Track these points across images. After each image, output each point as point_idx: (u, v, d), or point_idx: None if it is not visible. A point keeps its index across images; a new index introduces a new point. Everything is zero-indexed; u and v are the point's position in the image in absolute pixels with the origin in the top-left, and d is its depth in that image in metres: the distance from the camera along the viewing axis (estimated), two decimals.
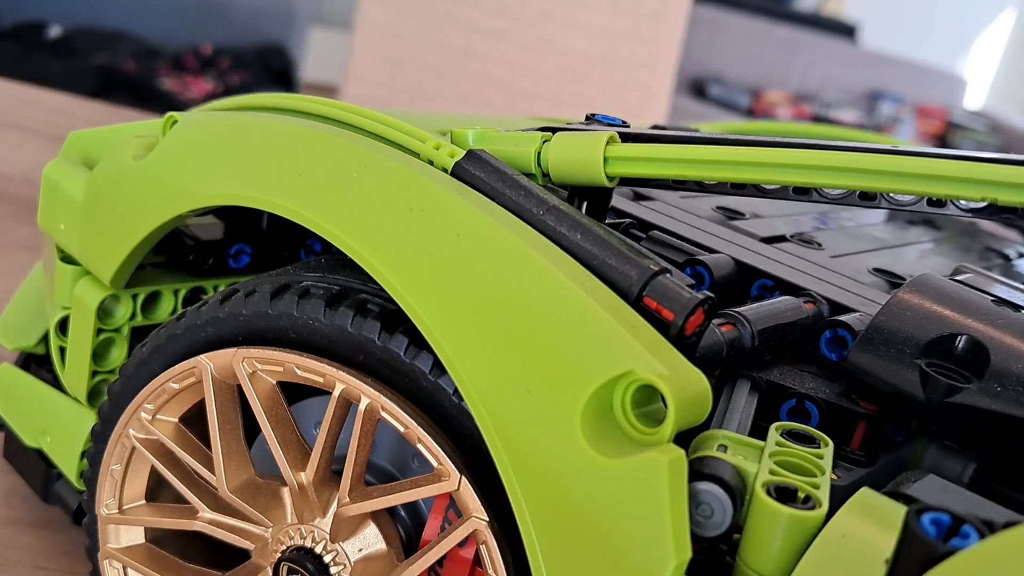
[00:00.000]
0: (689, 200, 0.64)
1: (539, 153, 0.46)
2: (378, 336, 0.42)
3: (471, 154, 0.45)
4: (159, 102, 2.66)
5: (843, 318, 0.48)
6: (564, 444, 0.36)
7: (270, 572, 0.47)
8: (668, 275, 0.41)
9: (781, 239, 0.60)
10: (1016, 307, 0.48)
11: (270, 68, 3.37)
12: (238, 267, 0.60)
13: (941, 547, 0.30)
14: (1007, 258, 0.73)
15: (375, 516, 0.46)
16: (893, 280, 0.57)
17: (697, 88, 4.71)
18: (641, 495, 0.34)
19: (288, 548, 0.46)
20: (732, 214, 0.63)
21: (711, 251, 0.55)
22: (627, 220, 0.56)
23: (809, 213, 0.70)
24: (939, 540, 0.30)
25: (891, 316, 0.46)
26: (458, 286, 0.39)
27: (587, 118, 0.54)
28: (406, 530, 0.47)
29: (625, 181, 0.47)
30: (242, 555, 0.50)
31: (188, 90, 3.03)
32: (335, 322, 0.43)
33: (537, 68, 2.82)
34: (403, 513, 0.47)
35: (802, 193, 0.46)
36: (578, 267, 0.40)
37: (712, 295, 0.40)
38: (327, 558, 0.45)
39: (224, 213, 0.61)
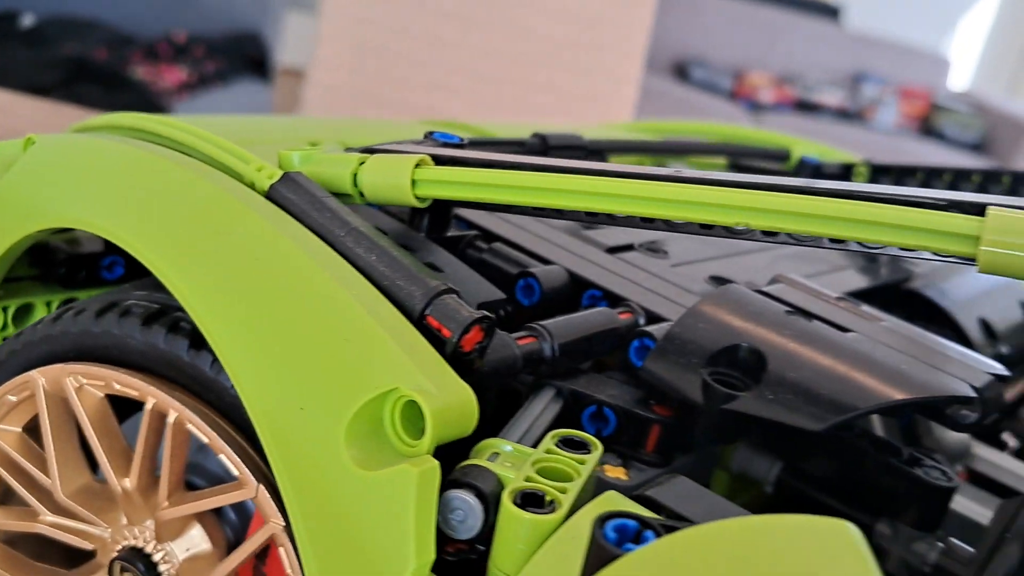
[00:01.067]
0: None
1: (355, 175, 0.49)
2: (186, 353, 0.45)
3: (287, 177, 0.48)
4: (131, 91, 2.68)
5: (649, 328, 0.51)
6: (330, 457, 0.39)
7: (107, 571, 0.50)
8: (453, 295, 0.43)
9: (628, 248, 0.63)
10: (809, 316, 0.51)
11: (245, 55, 3.38)
12: (112, 278, 0.63)
13: (611, 550, 0.32)
14: (873, 259, 0.75)
15: (200, 518, 0.49)
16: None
17: (680, 71, 4.72)
18: (391, 504, 0.37)
19: (122, 548, 0.49)
20: (589, 223, 0.66)
21: (548, 263, 0.57)
22: (473, 232, 0.59)
23: None
24: (613, 544, 0.33)
25: (684, 327, 0.48)
26: (247, 307, 0.42)
27: (425, 136, 0.57)
28: (234, 530, 0.50)
29: (441, 202, 0.50)
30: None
31: (161, 79, 3.04)
32: (149, 340, 0.46)
33: (505, 53, 2.82)
34: (232, 515, 0.50)
35: (625, 219, 0.47)
36: (367, 287, 0.43)
37: (489, 314, 0.43)
38: (156, 557, 0.48)
39: None
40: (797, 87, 4.69)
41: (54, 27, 3.02)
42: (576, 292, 0.57)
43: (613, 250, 0.62)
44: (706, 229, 0.44)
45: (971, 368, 0.50)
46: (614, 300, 0.55)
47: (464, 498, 0.39)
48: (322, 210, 0.46)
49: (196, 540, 0.49)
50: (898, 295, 0.71)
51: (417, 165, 0.48)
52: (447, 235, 0.57)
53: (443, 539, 0.39)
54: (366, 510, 0.38)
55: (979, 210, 0.38)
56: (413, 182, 0.47)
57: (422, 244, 0.53)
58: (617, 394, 0.49)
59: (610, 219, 0.46)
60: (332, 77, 2.69)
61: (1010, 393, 0.80)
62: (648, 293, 0.56)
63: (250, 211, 0.45)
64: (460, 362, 0.42)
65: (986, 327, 0.71)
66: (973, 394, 0.47)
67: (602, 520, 0.34)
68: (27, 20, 3.00)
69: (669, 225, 0.45)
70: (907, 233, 0.38)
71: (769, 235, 0.43)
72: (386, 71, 2.70)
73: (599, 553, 0.33)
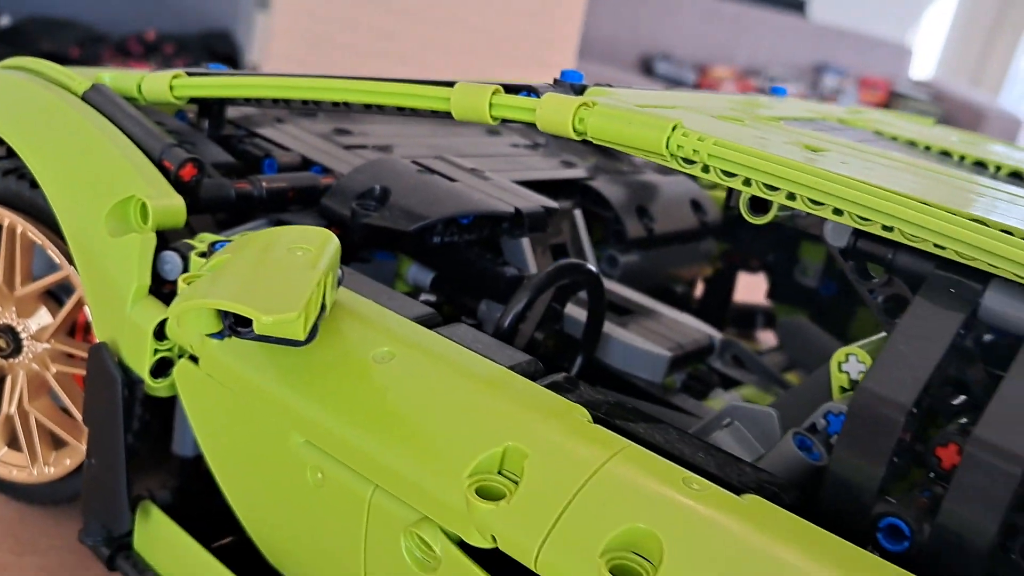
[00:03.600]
0: (315, 124, 0.98)
1: (139, 85, 0.80)
2: (27, 191, 0.76)
3: (94, 87, 0.79)
4: None
5: (334, 182, 0.82)
6: (98, 235, 0.70)
7: None
8: (182, 148, 0.74)
9: (362, 147, 0.94)
10: (433, 172, 0.81)
11: (215, 53, 3.67)
12: None
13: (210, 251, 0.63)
14: (570, 164, 1.06)
15: (46, 303, 0.80)
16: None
17: (646, 66, 5.00)
18: (127, 254, 0.68)
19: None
20: (341, 132, 0.97)
21: (289, 151, 0.88)
22: (243, 132, 0.90)
23: (425, 137, 1.03)
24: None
25: (348, 178, 0.79)
26: (58, 159, 0.73)
27: (201, 63, 0.88)
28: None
29: (195, 100, 0.81)
30: None
31: None
32: (7, 185, 0.77)
33: (447, 45, 3.14)
34: (66, 299, 0.81)
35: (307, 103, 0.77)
36: (130, 145, 0.74)
37: (198, 157, 0.73)
38: (18, 328, 0.79)
39: None
40: (760, 79, 4.97)
41: (31, 26, 3.33)
42: (307, 168, 0.87)
43: (349, 147, 0.93)
44: (336, 105, 0.74)
45: (527, 199, 0.81)
46: (328, 172, 0.86)
47: (172, 255, 0.69)
48: (111, 104, 0.77)
49: (43, 317, 0.79)
50: (579, 188, 1.01)
51: (175, 77, 0.78)
52: (222, 134, 0.87)
53: (164, 281, 0.70)
54: (116, 262, 0.69)
55: (452, 84, 0.68)
56: (171, 87, 0.78)
57: (199, 139, 0.84)
58: (309, 222, 0.79)
59: (287, 104, 0.77)
60: (284, 69, 3.00)
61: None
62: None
63: (67, 106, 0.76)
64: (182, 187, 0.73)
65: (640, 211, 1.01)
66: (511, 211, 0.77)
67: (213, 243, 0.65)
68: (4, 20, 3.32)
69: (316, 104, 0.75)
70: (417, 99, 0.69)
71: (368, 107, 0.73)
72: (335, 63, 3.01)
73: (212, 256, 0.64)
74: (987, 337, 0.55)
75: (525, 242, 0.89)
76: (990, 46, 5.84)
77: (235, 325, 0.57)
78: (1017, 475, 0.46)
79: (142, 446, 0.74)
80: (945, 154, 0.81)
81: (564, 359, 0.80)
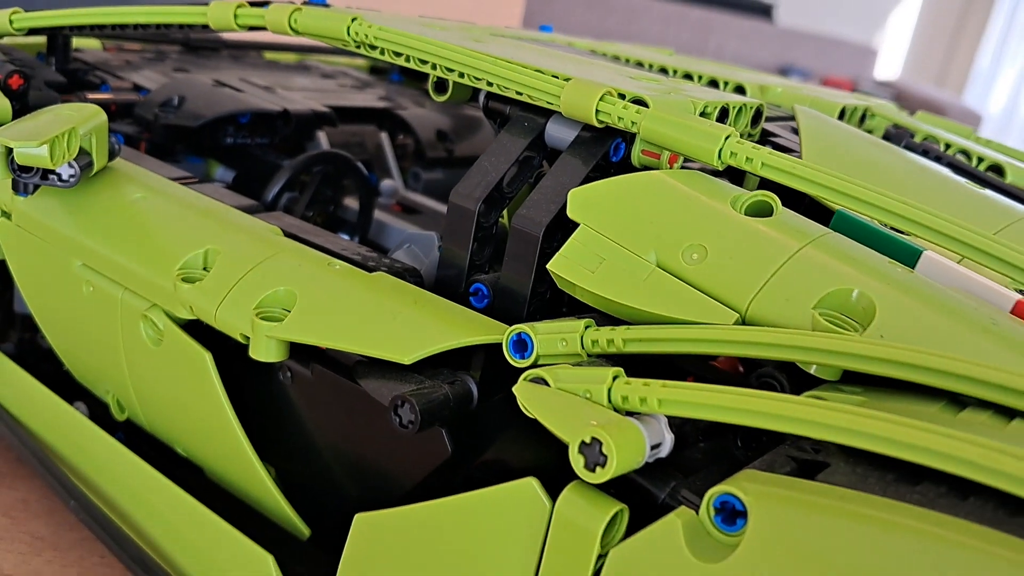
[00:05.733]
0: (161, 65, 1.19)
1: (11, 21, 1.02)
2: None
3: None
4: None
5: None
6: None
7: None
8: (11, 64, 0.95)
9: (195, 76, 1.15)
10: (226, 86, 1.03)
11: None
12: None
13: None
14: (390, 99, 1.27)
15: None
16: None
17: None
18: None
19: None
20: (179, 70, 1.18)
21: (123, 79, 1.10)
22: (90, 67, 1.11)
23: (257, 77, 1.24)
24: None
25: (154, 92, 1.01)
26: None
27: None
28: None
29: (34, 31, 1.02)
30: None
31: None
32: None
33: None
34: None
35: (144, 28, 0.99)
36: None
37: (25, 71, 0.95)
38: None
39: None
40: None
41: None
42: (138, 93, 1.09)
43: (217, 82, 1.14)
44: (136, 28, 0.96)
45: (300, 104, 1.02)
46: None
47: None
48: None
49: None
50: (388, 116, 1.23)
51: (14, 12, 1.00)
52: (70, 68, 1.09)
53: None
54: None
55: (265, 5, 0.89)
56: (11, 21, 1.00)
57: (44, 67, 1.05)
58: (127, 128, 1.01)
59: (122, 28, 0.98)
60: None
61: None
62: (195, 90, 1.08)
63: None
64: (11, 94, 0.94)
65: (442, 136, 1.22)
66: (278, 110, 0.98)
67: None
68: None
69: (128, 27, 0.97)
70: (182, 16, 0.90)
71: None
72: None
73: None
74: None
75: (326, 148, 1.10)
76: (954, 47, 6.03)
77: (18, 171, 0.78)
78: (538, 236, 0.66)
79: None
80: (639, 64, 1.02)
81: (355, 241, 1.00)
